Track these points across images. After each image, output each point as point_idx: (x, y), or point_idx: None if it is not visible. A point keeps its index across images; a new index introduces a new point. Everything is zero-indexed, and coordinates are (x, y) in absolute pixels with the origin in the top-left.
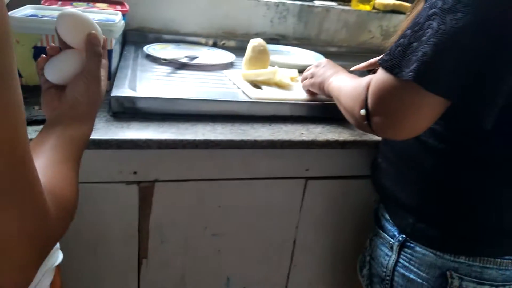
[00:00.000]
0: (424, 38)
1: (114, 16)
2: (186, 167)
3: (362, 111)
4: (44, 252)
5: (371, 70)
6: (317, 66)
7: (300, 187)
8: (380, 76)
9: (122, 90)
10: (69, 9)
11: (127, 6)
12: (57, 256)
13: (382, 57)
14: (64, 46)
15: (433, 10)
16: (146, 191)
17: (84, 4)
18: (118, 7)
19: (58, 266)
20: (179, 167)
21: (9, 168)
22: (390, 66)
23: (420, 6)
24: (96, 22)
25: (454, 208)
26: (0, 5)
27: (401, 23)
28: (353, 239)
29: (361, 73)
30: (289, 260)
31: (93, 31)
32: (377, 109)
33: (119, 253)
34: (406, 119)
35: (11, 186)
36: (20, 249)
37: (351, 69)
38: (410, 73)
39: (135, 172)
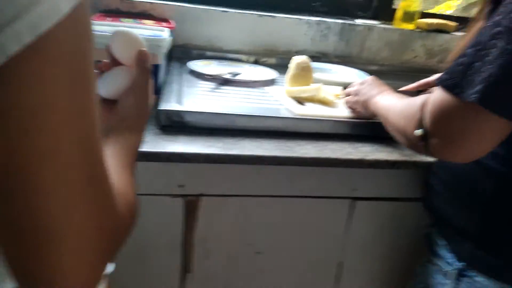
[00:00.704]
0: (488, 58)
1: (161, 33)
2: (231, 182)
3: (418, 131)
4: (112, 252)
5: (420, 91)
6: (361, 83)
7: (346, 207)
8: (439, 95)
9: (170, 104)
10: (121, 28)
11: (173, 23)
12: (111, 264)
13: (440, 76)
14: (114, 63)
15: (498, 28)
16: (191, 204)
17: (132, 20)
18: (164, 24)
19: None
20: (224, 181)
21: (88, 165)
22: (451, 85)
23: (479, 24)
24: (145, 38)
25: None
26: (86, 9)
27: (457, 42)
28: (402, 264)
29: (410, 94)
30: (334, 283)
31: (144, 49)
32: (435, 130)
33: (164, 265)
34: (467, 142)
35: (88, 182)
36: (92, 246)
37: (400, 89)
38: (475, 95)
39: (181, 185)
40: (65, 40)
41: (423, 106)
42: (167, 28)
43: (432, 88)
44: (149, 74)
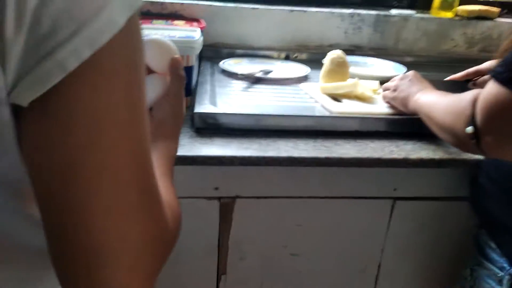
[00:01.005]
0: None
1: (193, 33)
2: (267, 184)
3: (469, 129)
4: (162, 263)
5: (468, 80)
6: (402, 78)
7: (387, 208)
8: (494, 90)
9: (204, 106)
10: (154, 36)
11: (204, 23)
12: None
13: (494, 68)
14: (147, 71)
15: None
16: (226, 207)
17: (163, 22)
18: (195, 24)
19: None
20: (260, 183)
21: (141, 178)
22: (507, 78)
23: None
24: (177, 40)
25: None
26: (137, 19)
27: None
28: (447, 267)
29: (449, 87)
30: (373, 286)
31: (176, 56)
32: (489, 127)
33: (199, 268)
34: None
35: (141, 196)
36: (145, 261)
37: (446, 79)
38: None
39: (216, 188)
40: (120, 52)
41: (473, 101)
42: (198, 29)
43: (482, 77)
44: (183, 81)
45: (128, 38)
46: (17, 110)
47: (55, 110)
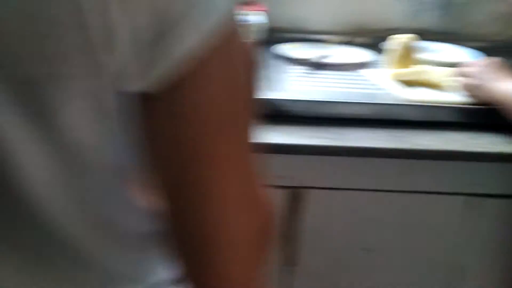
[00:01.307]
0: None
1: (256, 17)
2: (338, 175)
3: None
4: (267, 254)
5: None
6: (482, 65)
7: (468, 205)
8: None
9: (266, 92)
10: None
11: (265, 6)
12: None
13: None
14: None
15: None
16: (295, 197)
17: None
18: (255, 7)
19: None
20: (331, 174)
21: (250, 167)
22: None
23: None
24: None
25: None
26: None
27: None
28: None
29: None
30: (450, 286)
31: (251, 40)
32: None
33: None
34: None
35: (252, 188)
36: (256, 253)
37: None
38: None
39: (282, 177)
40: (234, 40)
41: None
42: (263, 12)
43: None
44: (257, 67)
45: (237, 25)
46: (134, 98)
47: (179, 102)
